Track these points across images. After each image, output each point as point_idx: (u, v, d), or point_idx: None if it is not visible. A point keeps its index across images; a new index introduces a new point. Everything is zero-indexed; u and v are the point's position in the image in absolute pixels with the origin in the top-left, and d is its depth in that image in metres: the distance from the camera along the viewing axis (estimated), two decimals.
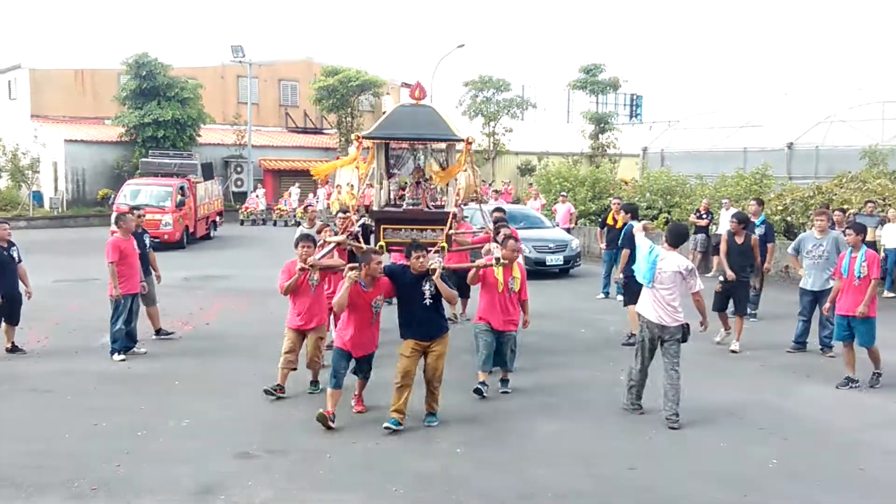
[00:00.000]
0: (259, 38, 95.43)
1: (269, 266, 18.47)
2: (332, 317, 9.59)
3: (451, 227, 9.98)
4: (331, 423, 7.57)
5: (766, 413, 8.35)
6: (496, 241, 9.51)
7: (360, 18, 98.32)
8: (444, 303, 7.90)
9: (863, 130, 24.48)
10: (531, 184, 29.88)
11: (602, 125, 40.39)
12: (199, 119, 34.92)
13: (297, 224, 20.18)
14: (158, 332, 11.44)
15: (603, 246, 15.54)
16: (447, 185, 10.55)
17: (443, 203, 10.67)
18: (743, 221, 11.50)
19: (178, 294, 14.91)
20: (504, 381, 9.02)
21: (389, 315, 8.49)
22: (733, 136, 28.58)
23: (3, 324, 10.56)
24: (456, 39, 77.96)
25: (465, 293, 11.71)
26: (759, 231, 12.49)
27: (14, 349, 10.48)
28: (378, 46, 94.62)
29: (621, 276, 11.44)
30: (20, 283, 10.66)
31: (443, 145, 10.80)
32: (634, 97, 55.93)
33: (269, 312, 13.17)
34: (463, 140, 9.92)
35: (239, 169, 38.69)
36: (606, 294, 15.05)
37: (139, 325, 10.79)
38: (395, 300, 8.26)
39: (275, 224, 32.55)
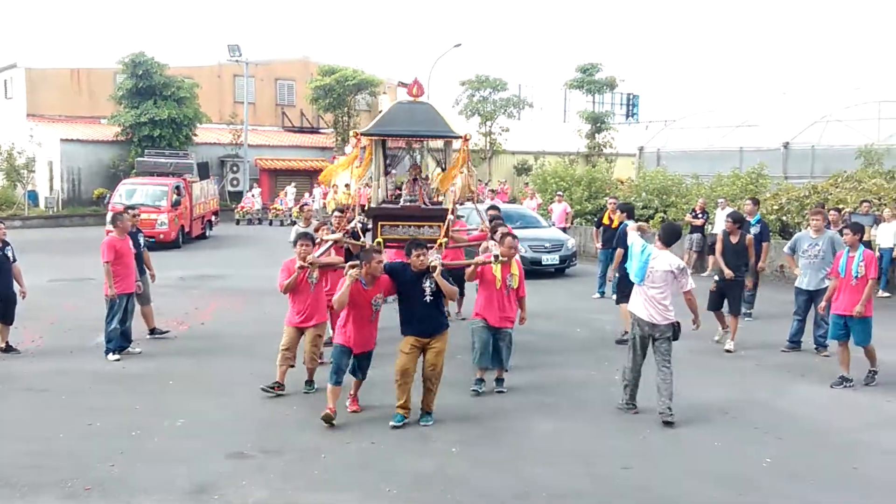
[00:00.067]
0: (256, 38, 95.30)
1: (264, 266, 18.50)
2: (330, 314, 9.60)
3: (448, 224, 9.99)
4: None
5: (760, 412, 8.36)
6: (493, 239, 9.54)
7: (356, 18, 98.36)
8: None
9: (859, 130, 24.49)
10: (527, 183, 29.87)
11: (598, 125, 40.38)
12: (195, 118, 34.91)
13: (293, 223, 20.17)
14: (153, 331, 11.43)
15: (599, 245, 15.54)
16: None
17: (440, 200, 10.68)
18: (738, 221, 11.52)
19: (174, 294, 14.90)
20: (499, 381, 9.03)
21: (387, 313, 8.51)
22: (729, 136, 28.59)
23: None
24: (452, 39, 77.98)
25: (460, 292, 11.70)
26: (754, 230, 12.50)
27: (8, 349, 10.47)
28: (375, 46, 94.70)
29: (615, 274, 11.46)
30: (15, 282, 10.66)
31: (440, 144, 10.80)
32: (631, 97, 56.01)
33: (265, 312, 13.17)
34: (460, 137, 9.94)
35: (235, 168, 38.66)
36: (602, 293, 15.06)
37: (134, 325, 10.77)
38: (390, 299, 8.26)
39: (270, 224, 32.53)
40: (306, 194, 33.70)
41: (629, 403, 8.29)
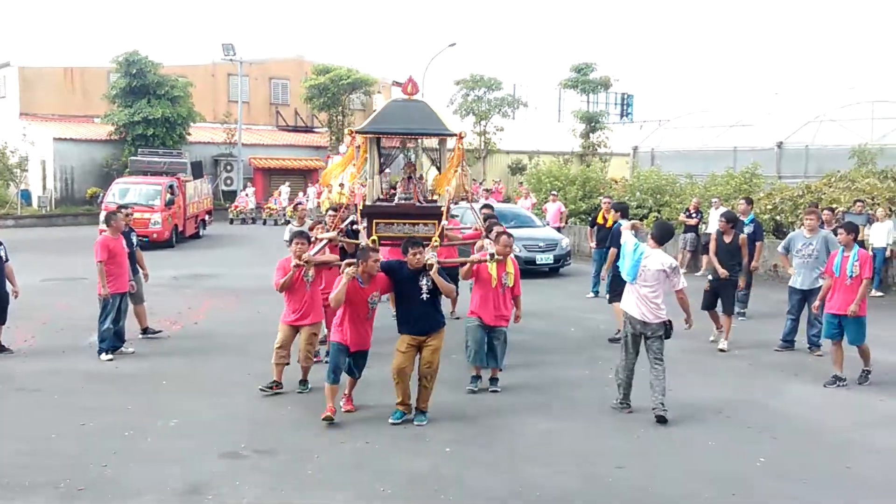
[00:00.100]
0: (250, 37, 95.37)
1: (258, 265, 18.48)
2: (325, 314, 9.60)
3: (442, 222, 10.00)
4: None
5: (754, 411, 8.37)
6: (489, 238, 9.55)
7: (351, 17, 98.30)
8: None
9: (852, 130, 24.57)
10: (522, 182, 29.89)
11: (593, 124, 40.41)
12: (189, 117, 34.85)
13: (287, 223, 20.16)
14: (145, 330, 11.40)
15: (593, 245, 15.55)
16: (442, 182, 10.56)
17: (434, 199, 10.68)
18: (732, 220, 11.54)
19: (167, 293, 14.86)
20: (494, 380, 9.03)
21: (381, 313, 8.51)
22: (723, 136, 28.66)
23: None
24: (447, 38, 77.97)
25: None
26: (747, 229, 12.52)
27: (1, 349, 10.42)
28: (369, 45, 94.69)
29: (609, 273, 11.48)
30: (7, 282, 10.61)
31: (435, 143, 10.80)
32: (625, 96, 56.14)
33: (258, 311, 13.15)
34: (455, 135, 9.96)
35: (229, 167, 38.60)
36: (596, 293, 15.06)
37: (126, 325, 10.73)
38: (384, 297, 8.25)
39: (264, 223, 32.48)
40: (300, 193, 33.66)
41: (623, 403, 8.29)
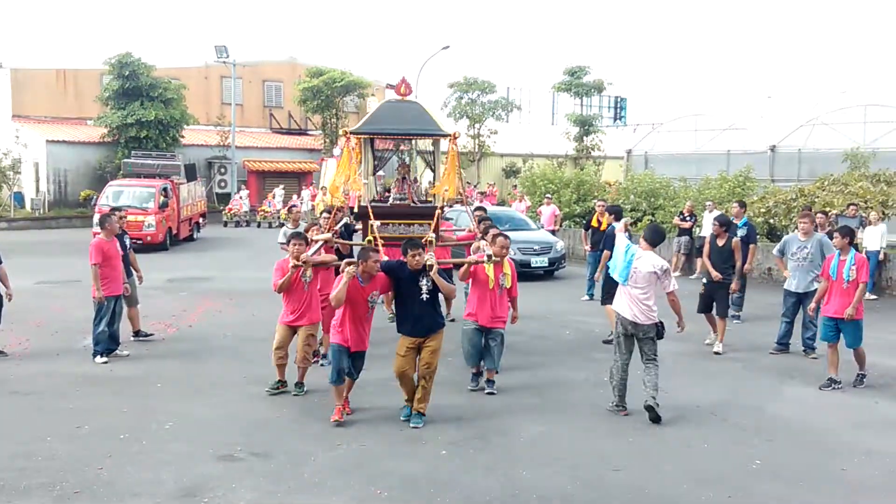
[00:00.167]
0: (243, 39, 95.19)
1: (252, 268, 18.47)
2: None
3: (438, 222, 10.05)
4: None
5: (749, 414, 8.39)
6: (484, 240, 9.59)
7: (344, 19, 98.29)
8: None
9: (845, 133, 24.66)
10: (516, 185, 29.92)
11: (586, 127, 40.48)
12: (182, 120, 34.76)
13: (281, 225, 20.14)
14: (137, 333, 11.37)
15: (587, 248, 15.57)
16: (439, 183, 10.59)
17: (429, 199, 10.72)
18: (725, 224, 11.57)
19: (161, 296, 14.83)
20: (490, 382, 9.03)
21: (377, 314, 8.51)
22: (717, 139, 28.74)
23: None
24: (441, 41, 77.93)
25: None
26: (741, 233, 12.56)
27: None
28: (363, 48, 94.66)
29: (601, 275, 11.52)
30: (1, 284, 10.59)
31: (429, 144, 10.83)
32: (619, 100, 56.27)
33: (253, 314, 13.14)
34: (449, 135, 10.00)
35: (223, 170, 38.53)
36: (591, 296, 15.08)
37: (120, 327, 10.70)
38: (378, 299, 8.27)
39: (259, 225, 32.44)
40: (294, 196, 33.64)
41: (619, 405, 8.31)
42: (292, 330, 8.82)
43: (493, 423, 7.97)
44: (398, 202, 10.39)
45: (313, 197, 30.29)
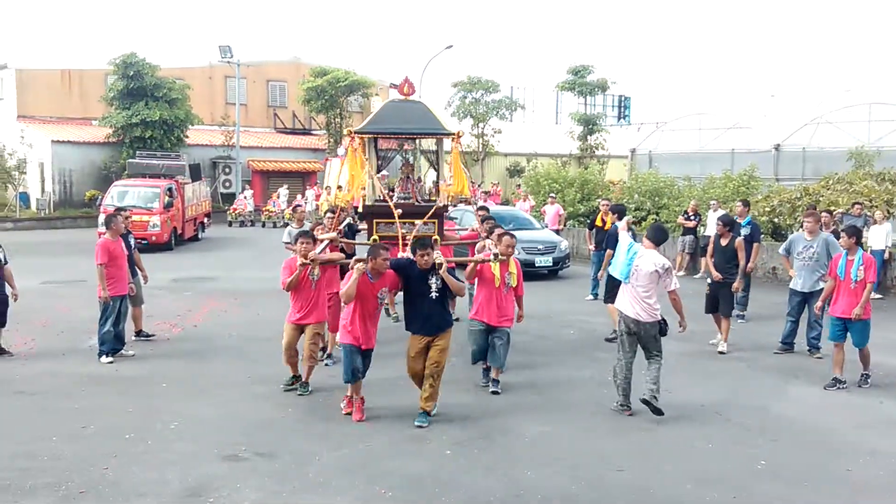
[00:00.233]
0: (247, 39, 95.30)
1: (257, 267, 18.51)
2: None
3: (442, 221, 10.09)
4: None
5: (753, 414, 8.38)
6: (490, 239, 9.61)
7: (348, 19, 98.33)
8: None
9: (849, 132, 24.61)
10: (520, 185, 29.90)
11: (590, 127, 40.41)
12: (186, 120, 34.81)
13: (286, 225, 20.17)
14: (139, 333, 11.40)
15: (592, 247, 15.56)
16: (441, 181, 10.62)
17: (433, 199, 10.74)
18: (728, 224, 11.57)
19: (166, 296, 14.87)
20: (495, 381, 9.04)
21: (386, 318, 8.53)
22: (721, 138, 28.71)
23: None
24: (444, 40, 77.95)
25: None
26: (744, 231, 12.55)
27: (1, 352, 10.42)
28: (367, 47, 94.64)
29: (605, 274, 11.53)
30: (6, 284, 10.61)
31: (432, 144, 10.85)
32: (623, 99, 56.06)
33: (257, 314, 13.16)
34: (452, 134, 10.01)
35: (227, 170, 38.57)
36: (595, 295, 15.07)
37: (126, 327, 10.73)
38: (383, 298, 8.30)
39: (263, 225, 32.48)
40: (299, 196, 33.68)
41: (623, 405, 8.31)
42: (300, 329, 8.86)
43: (497, 423, 7.98)
44: (402, 201, 10.41)
45: (317, 197, 30.30)
